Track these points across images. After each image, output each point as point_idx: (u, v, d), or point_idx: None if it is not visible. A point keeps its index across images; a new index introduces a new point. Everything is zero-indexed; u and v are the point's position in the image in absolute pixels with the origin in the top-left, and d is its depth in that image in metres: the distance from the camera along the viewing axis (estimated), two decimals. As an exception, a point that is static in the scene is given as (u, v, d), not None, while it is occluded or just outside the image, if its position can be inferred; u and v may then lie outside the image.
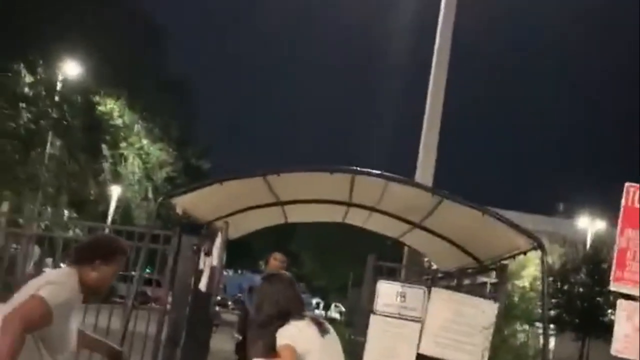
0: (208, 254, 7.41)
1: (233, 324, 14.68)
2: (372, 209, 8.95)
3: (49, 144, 32.14)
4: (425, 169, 11.86)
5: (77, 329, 4.18)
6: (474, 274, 9.57)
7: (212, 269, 7.24)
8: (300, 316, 4.43)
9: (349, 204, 8.96)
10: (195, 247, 7.94)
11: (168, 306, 8.33)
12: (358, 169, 7.61)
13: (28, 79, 30.68)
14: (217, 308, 8.45)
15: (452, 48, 12.26)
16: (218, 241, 7.19)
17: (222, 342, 14.14)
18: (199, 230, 8.58)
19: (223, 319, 21.84)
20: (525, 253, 7.71)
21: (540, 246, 7.34)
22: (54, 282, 3.93)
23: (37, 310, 3.76)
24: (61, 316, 3.88)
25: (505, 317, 8.33)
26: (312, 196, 8.78)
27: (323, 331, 4.39)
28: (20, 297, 3.96)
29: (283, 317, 4.39)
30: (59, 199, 34.49)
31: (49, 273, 4.22)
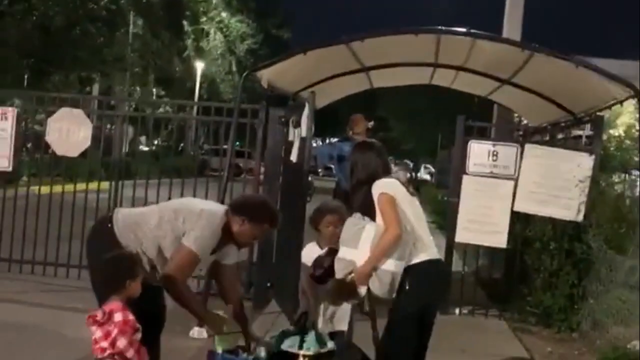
0: (297, 124, 7.40)
1: (326, 190, 14.88)
2: (459, 68, 8.77)
3: (131, 24, 32.35)
4: (512, 24, 11.54)
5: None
6: (568, 128, 9.37)
7: (302, 139, 7.24)
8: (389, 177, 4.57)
9: (436, 65, 8.79)
10: (283, 119, 7.94)
11: (261, 177, 8.46)
12: (443, 28, 7.42)
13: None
14: (309, 177, 8.56)
15: None
16: (306, 111, 7.16)
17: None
18: (286, 102, 8.58)
19: (315, 187, 22.31)
20: (621, 103, 7.48)
21: (636, 94, 7.11)
22: (202, 232, 4.17)
23: (188, 262, 4.18)
24: (203, 255, 4.25)
25: (602, 168, 8.18)
26: (397, 59, 8.63)
27: (410, 192, 4.50)
28: (172, 228, 4.21)
29: (373, 181, 4.49)
30: (147, 78, 35.01)
31: (198, 216, 4.23)
